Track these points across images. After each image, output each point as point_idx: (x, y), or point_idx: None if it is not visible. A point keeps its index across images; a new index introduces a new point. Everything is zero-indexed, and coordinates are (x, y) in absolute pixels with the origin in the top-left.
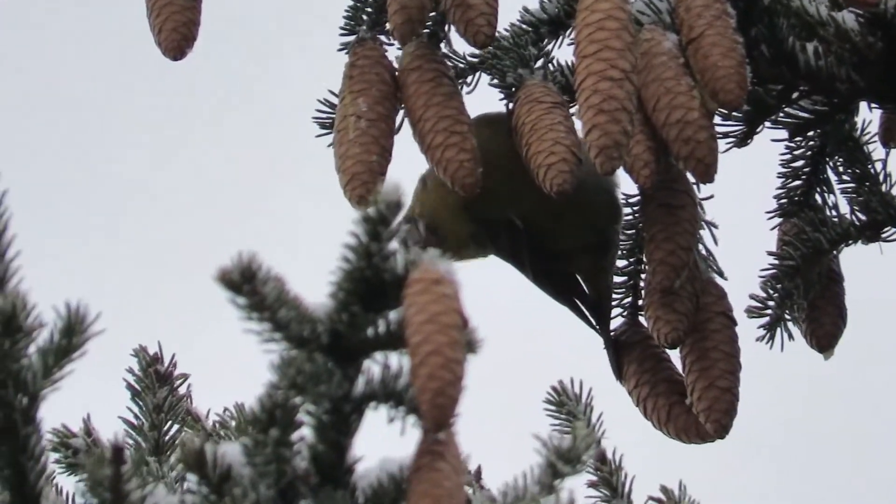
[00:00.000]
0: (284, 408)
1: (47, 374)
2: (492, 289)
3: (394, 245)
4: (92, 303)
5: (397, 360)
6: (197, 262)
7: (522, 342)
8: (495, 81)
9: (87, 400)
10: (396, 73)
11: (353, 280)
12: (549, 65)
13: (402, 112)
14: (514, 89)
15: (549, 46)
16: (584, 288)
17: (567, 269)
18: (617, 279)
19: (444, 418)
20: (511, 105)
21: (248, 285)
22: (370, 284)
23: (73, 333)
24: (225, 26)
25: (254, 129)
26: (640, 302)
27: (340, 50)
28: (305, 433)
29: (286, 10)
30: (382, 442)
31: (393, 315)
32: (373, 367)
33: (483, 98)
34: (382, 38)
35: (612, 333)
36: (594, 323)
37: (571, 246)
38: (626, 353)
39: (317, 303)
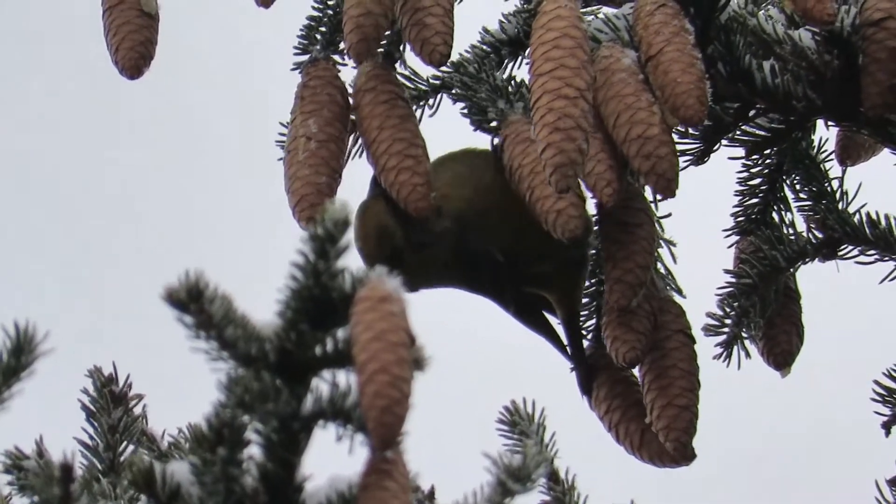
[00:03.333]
0: (232, 426)
1: None
2: (446, 307)
3: (341, 263)
4: (46, 322)
5: (346, 378)
6: (152, 279)
7: (477, 360)
8: (470, 114)
9: (41, 421)
10: (349, 94)
11: (301, 298)
12: (526, 90)
13: (354, 134)
14: (496, 124)
15: (511, 67)
16: (556, 311)
17: (543, 293)
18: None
19: (391, 436)
20: (497, 140)
21: (195, 304)
22: (318, 303)
23: (22, 353)
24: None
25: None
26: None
27: (294, 69)
28: (254, 452)
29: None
30: (331, 460)
31: (341, 333)
32: (321, 385)
33: (445, 121)
34: (336, 57)
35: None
36: (566, 343)
37: (551, 266)
38: (595, 377)
39: (265, 321)
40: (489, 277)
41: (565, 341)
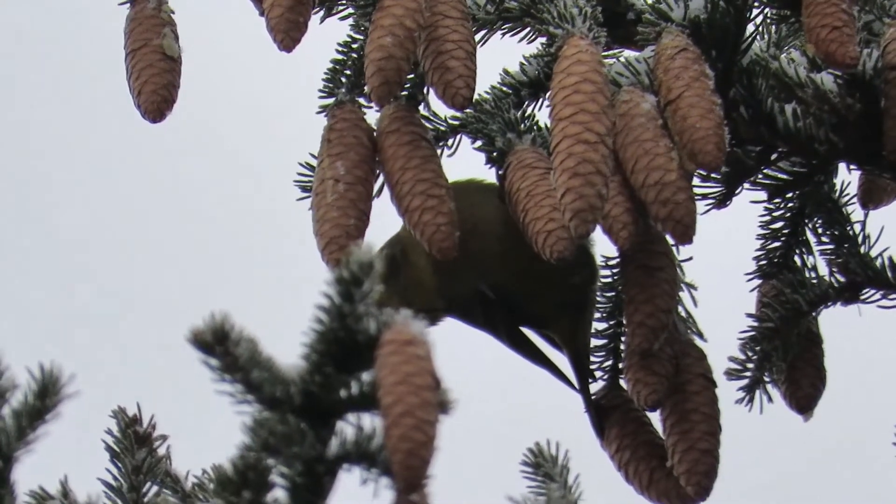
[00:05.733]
0: (257, 469)
1: (21, 435)
2: (471, 347)
3: (366, 306)
4: (70, 363)
5: (370, 421)
6: (176, 320)
7: (502, 402)
8: (479, 145)
9: (66, 461)
10: (375, 136)
11: (327, 341)
12: (536, 127)
13: (380, 175)
14: (503, 154)
15: (531, 109)
16: (563, 351)
17: (545, 332)
18: (597, 342)
19: (417, 479)
20: (501, 171)
21: (221, 346)
22: (343, 345)
23: (47, 395)
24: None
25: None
26: (621, 365)
27: (319, 113)
28: (279, 495)
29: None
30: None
31: (366, 376)
32: (346, 428)
33: (463, 161)
34: (362, 100)
35: (592, 396)
36: (575, 385)
37: (550, 307)
38: (607, 417)
39: (290, 364)
40: (481, 312)
41: (573, 380)
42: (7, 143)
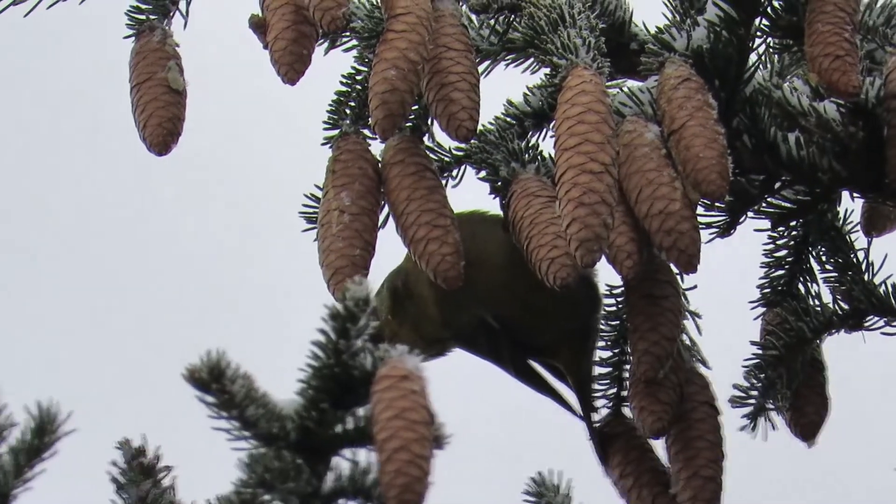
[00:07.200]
0: None
1: (19, 473)
2: (472, 376)
3: (362, 342)
4: (73, 395)
5: (366, 457)
6: (176, 354)
7: (503, 431)
8: (483, 174)
9: (70, 494)
10: (380, 167)
11: (322, 377)
12: (540, 156)
13: (385, 205)
14: (507, 183)
15: (534, 139)
16: (567, 379)
17: (548, 362)
18: (601, 370)
19: None
20: (505, 200)
21: (217, 384)
22: (339, 381)
23: (45, 433)
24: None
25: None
26: (625, 393)
27: (324, 144)
28: None
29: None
30: None
31: (362, 411)
32: (342, 463)
33: (468, 191)
34: (366, 131)
35: (596, 424)
36: (578, 413)
37: (553, 338)
38: (611, 444)
39: (286, 400)
40: (486, 342)
41: (576, 406)
42: (13, 175)
